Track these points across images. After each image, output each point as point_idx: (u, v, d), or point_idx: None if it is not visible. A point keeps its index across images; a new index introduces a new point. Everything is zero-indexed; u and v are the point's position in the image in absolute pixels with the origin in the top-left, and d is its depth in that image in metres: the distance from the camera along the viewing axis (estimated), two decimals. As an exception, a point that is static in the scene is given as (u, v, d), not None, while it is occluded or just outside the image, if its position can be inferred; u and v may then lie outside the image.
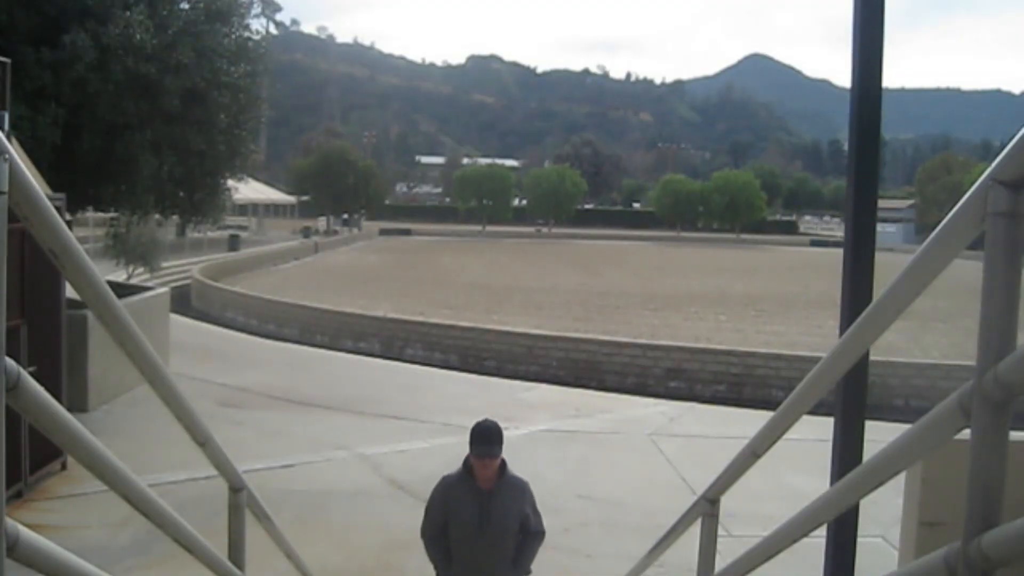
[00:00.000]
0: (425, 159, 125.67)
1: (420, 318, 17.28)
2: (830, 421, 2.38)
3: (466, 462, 3.04)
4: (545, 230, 64.43)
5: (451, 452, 4.38)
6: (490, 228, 61.97)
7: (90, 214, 12.81)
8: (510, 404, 7.54)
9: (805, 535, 1.33)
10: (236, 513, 2.05)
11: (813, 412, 1.56)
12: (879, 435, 1.49)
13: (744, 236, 61.66)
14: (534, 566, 3.15)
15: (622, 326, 17.69)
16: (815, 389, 1.39)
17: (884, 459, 1.02)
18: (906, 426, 1.00)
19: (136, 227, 12.50)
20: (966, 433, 0.85)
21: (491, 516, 3.00)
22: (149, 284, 11.57)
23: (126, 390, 6.32)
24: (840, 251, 2.44)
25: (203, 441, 1.67)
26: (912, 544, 2.22)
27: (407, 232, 59.84)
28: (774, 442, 1.63)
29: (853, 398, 2.30)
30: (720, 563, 2.02)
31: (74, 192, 7.14)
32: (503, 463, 3.03)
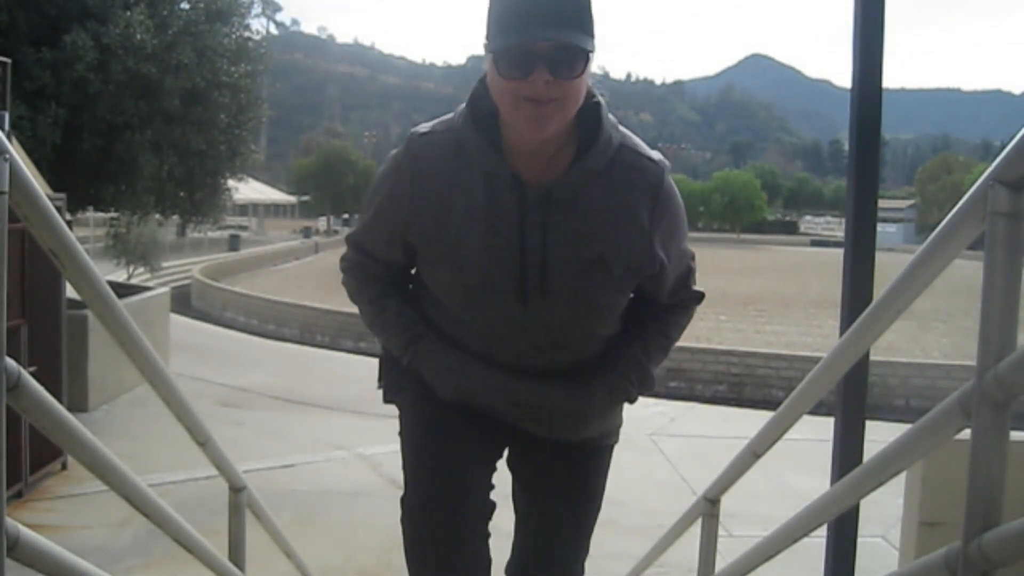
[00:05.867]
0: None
1: (420, 318, 17.24)
2: (830, 421, 2.38)
3: (476, 97, 1.30)
4: (545, 230, 64.32)
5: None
6: (490, 228, 61.78)
7: (90, 214, 12.81)
8: (510, 404, 7.51)
9: (805, 535, 1.33)
10: (236, 513, 2.05)
11: (813, 412, 1.56)
12: (879, 435, 1.49)
13: (744, 236, 61.64)
14: None
15: (622, 326, 17.66)
16: (815, 389, 1.39)
17: (884, 459, 1.02)
18: (906, 426, 1.00)
19: (136, 227, 12.50)
20: (966, 433, 0.85)
21: (551, 262, 1.28)
22: (149, 284, 11.58)
23: (126, 390, 6.32)
24: (840, 251, 2.44)
25: (203, 441, 1.67)
26: (912, 544, 2.22)
27: (407, 232, 59.70)
28: (774, 442, 1.63)
29: (853, 398, 2.30)
30: (720, 563, 2.02)
31: (74, 192, 7.14)
32: (598, 106, 1.29)
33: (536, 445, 1.49)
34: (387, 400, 1.57)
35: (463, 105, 1.34)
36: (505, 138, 1.29)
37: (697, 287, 1.53)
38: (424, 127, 1.38)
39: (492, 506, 1.44)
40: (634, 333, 1.46)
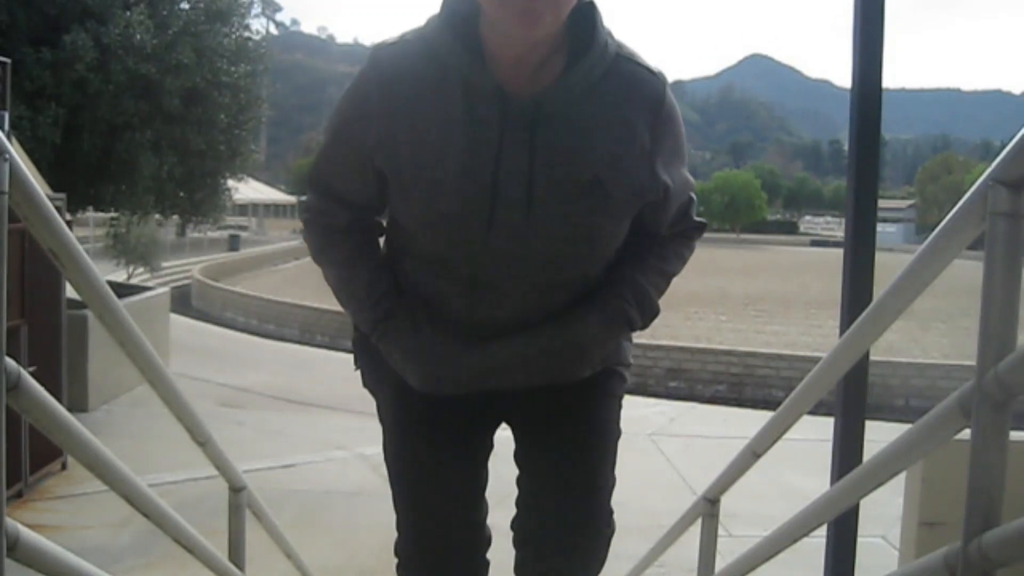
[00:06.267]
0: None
1: (420, 318, 17.22)
2: (830, 421, 2.38)
3: None
4: (545, 230, 64.31)
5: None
6: (490, 228, 61.71)
7: (90, 214, 12.81)
8: (510, 404, 7.51)
9: (805, 535, 1.33)
10: (236, 513, 2.05)
11: (813, 412, 1.55)
12: (879, 435, 1.49)
13: (744, 236, 61.66)
14: None
15: (622, 326, 17.64)
16: (815, 389, 1.39)
17: (884, 459, 1.02)
18: (906, 426, 1.00)
19: (136, 227, 12.51)
20: (966, 433, 0.85)
21: (539, 185, 1.13)
22: (149, 284, 11.57)
23: (126, 390, 6.32)
24: (840, 251, 2.44)
25: (203, 441, 1.66)
26: (912, 544, 2.22)
27: (407, 232, 59.66)
28: (774, 442, 1.63)
29: (853, 398, 2.30)
30: (720, 563, 2.02)
31: (74, 192, 7.14)
32: (592, 8, 1.15)
33: (537, 396, 1.34)
34: (365, 386, 1.45)
35: (442, 6, 1.15)
36: (487, 44, 1.12)
37: (699, 218, 1.37)
38: (391, 38, 1.19)
39: (489, 540, 1.47)
40: (627, 261, 1.30)
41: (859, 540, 2.41)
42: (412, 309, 1.28)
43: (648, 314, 1.29)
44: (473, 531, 1.43)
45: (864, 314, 1.13)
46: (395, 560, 1.49)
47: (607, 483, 1.43)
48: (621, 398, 1.44)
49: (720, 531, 2.15)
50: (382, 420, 1.45)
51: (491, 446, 1.47)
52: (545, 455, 1.40)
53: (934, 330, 17.53)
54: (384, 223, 1.36)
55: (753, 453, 1.71)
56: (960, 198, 0.89)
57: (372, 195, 1.26)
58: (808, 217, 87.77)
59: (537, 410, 1.38)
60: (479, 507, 1.45)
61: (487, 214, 1.14)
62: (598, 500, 1.41)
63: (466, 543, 1.42)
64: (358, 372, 1.45)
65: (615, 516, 1.49)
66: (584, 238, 1.19)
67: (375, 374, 1.40)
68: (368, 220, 1.32)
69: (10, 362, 0.80)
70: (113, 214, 10.85)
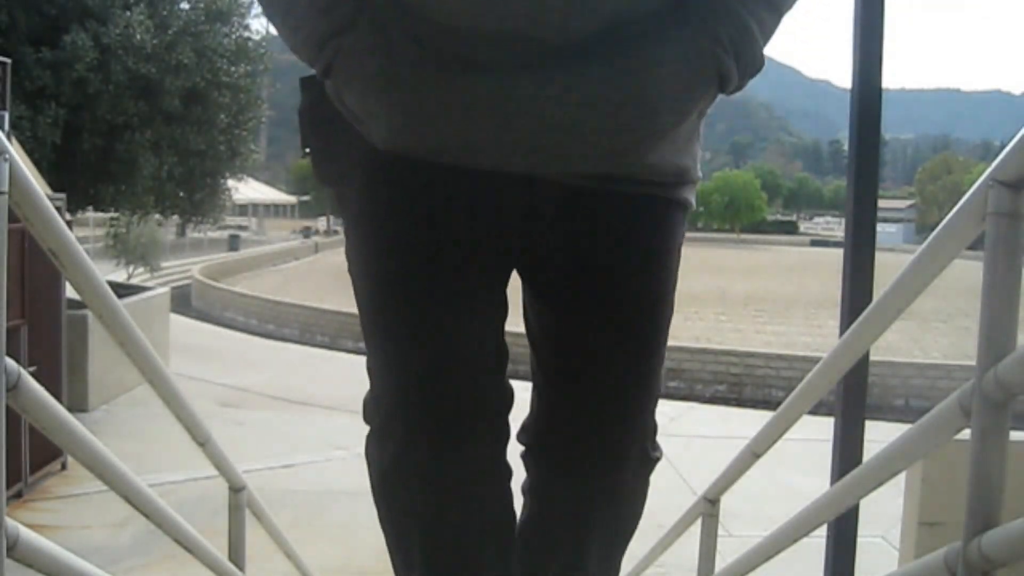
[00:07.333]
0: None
1: (420, 318, 17.19)
2: (830, 421, 2.38)
3: None
4: (545, 230, 64.26)
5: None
6: (490, 228, 61.67)
7: (90, 214, 12.81)
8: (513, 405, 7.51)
9: (805, 535, 1.33)
10: (236, 513, 2.05)
11: (813, 412, 1.56)
12: (879, 435, 1.49)
13: (744, 236, 61.66)
14: None
15: (622, 326, 17.64)
16: (815, 389, 1.39)
17: (884, 459, 1.02)
18: (906, 426, 1.00)
19: (136, 227, 12.51)
20: (966, 433, 0.85)
21: None
22: (149, 284, 11.58)
23: (126, 390, 6.32)
24: (840, 251, 2.44)
25: (203, 441, 1.66)
26: (912, 544, 2.22)
27: (407, 232, 59.63)
28: (774, 442, 1.63)
29: (853, 398, 2.30)
30: (720, 563, 2.02)
31: (74, 192, 7.15)
32: None
33: (565, 209, 0.92)
34: (322, 180, 0.99)
35: None
36: None
37: None
38: None
39: (511, 396, 1.01)
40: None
41: (859, 540, 2.41)
42: (382, 18, 0.84)
43: (748, 66, 0.89)
44: (482, 372, 0.96)
45: (864, 314, 1.13)
46: (366, 430, 1.01)
47: (655, 394, 1.05)
48: (680, 246, 1.02)
49: (720, 531, 2.15)
50: (345, 228, 1.00)
51: (516, 215, 0.95)
52: (574, 337, 0.99)
53: (934, 330, 17.54)
54: None
55: (753, 453, 1.71)
56: (960, 198, 0.89)
57: None
58: (810, 217, 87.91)
59: (564, 237, 0.95)
60: (492, 340, 0.96)
61: None
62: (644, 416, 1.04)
63: (474, 389, 0.94)
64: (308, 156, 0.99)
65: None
66: None
67: (330, 153, 0.95)
68: None
69: (10, 362, 0.80)
70: (113, 214, 10.85)
